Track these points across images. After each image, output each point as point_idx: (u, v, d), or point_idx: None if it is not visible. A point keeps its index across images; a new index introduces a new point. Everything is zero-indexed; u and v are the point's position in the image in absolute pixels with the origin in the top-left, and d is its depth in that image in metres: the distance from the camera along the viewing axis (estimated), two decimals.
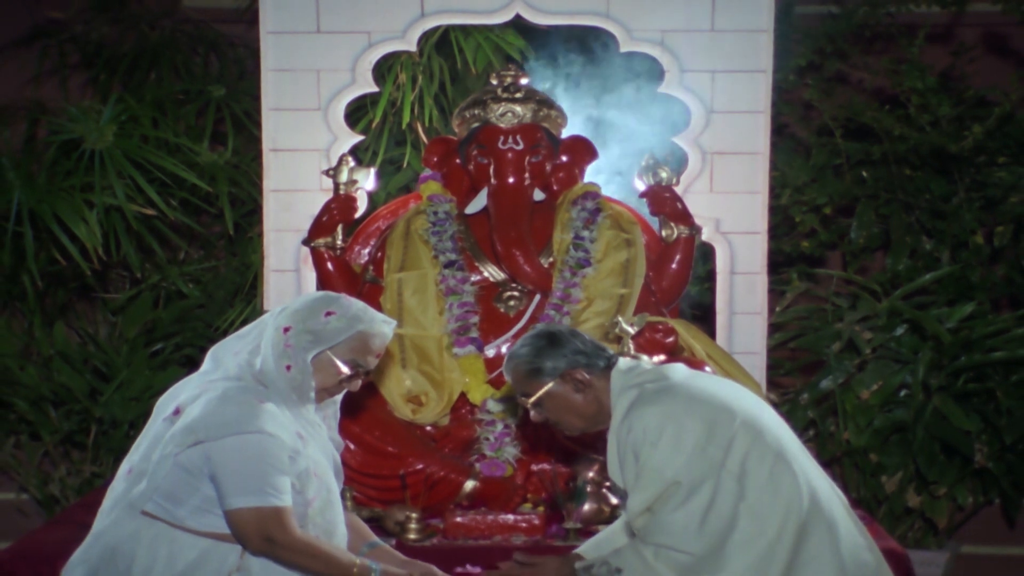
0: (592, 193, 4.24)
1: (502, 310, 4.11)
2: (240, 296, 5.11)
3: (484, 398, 4.01)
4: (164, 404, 2.86)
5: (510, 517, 3.70)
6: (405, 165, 5.02)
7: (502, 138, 4.12)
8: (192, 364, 4.82)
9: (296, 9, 4.35)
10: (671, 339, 4.03)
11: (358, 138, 4.51)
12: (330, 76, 4.38)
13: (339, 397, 3.00)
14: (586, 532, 3.53)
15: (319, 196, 4.28)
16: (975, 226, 5.15)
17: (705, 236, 4.32)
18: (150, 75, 5.37)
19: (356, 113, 4.83)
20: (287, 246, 4.40)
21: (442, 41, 4.86)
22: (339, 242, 4.15)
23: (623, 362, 2.98)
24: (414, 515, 3.62)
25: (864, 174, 5.28)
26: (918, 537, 4.98)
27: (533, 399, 2.98)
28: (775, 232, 5.02)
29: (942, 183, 5.22)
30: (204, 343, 4.71)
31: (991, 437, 4.67)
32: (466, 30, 4.79)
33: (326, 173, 4.21)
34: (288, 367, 2.80)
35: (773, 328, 4.90)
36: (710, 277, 4.71)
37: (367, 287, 4.15)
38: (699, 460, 2.74)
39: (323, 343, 2.83)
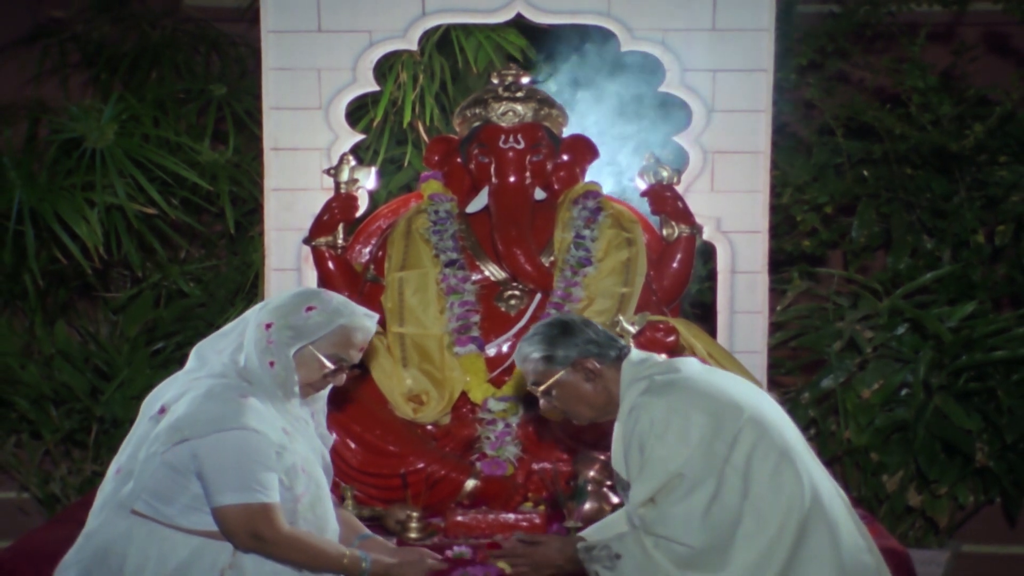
0: (593, 192, 4.24)
1: (503, 309, 4.11)
2: (241, 295, 5.11)
3: (485, 397, 4.01)
4: (150, 403, 2.87)
5: (511, 516, 3.70)
6: (406, 164, 5.02)
7: (503, 137, 4.12)
8: None
9: (297, 8, 4.35)
10: (672, 338, 4.03)
11: (359, 137, 4.51)
12: (331, 75, 4.38)
13: (325, 393, 3.00)
14: None
15: (320, 195, 4.28)
16: (976, 225, 5.15)
17: (706, 235, 4.32)
18: (151, 74, 5.37)
19: (357, 112, 4.83)
20: (288, 245, 4.40)
21: (443, 40, 4.86)
22: (340, 241, 4.15)
23: (635, 354, 3.00)
24: (415, 514, 3.62)
25: (865, 173, 5.28)
26: (919, 536, 4.98)
27: (543, 387, 2.99)
28: (776, 231, 5.02)
29: (943, 182, 5.22)
30: None
31: (992, 436, 4.68)
32: (467, 29, 4.79)
33: (327, 172, 4.21)
34: (271, 363, 2.80)
35: (774, 327, 4.90)
36: (711, 276, 4.71)
37: (368, 286, 4.15)
38: (704, 454, 2.75)
39: (305, 338, 2.83)
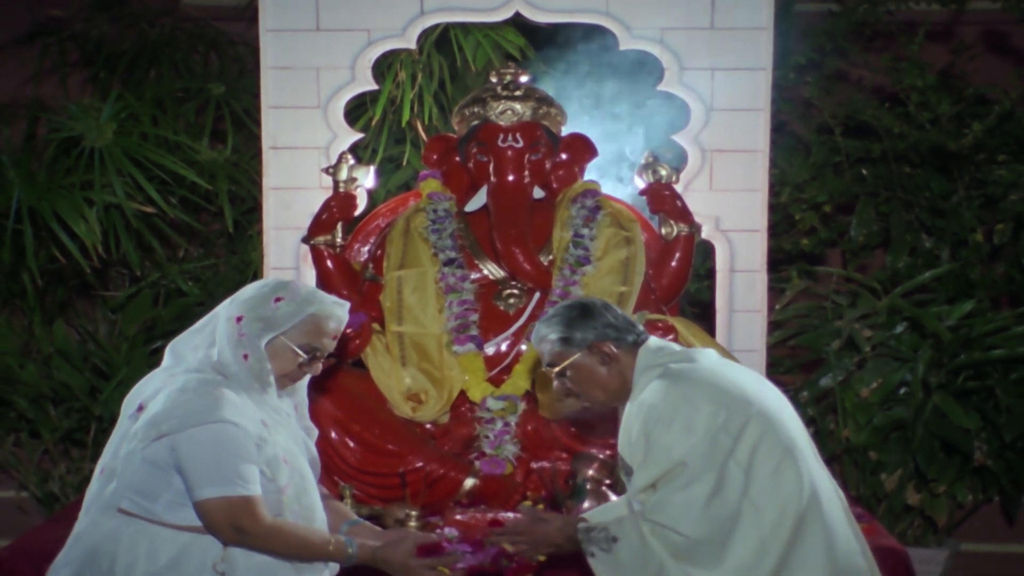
0: (592, 191, 4.24)
1: (502, 308, 4.11)
2: None
3: (484, 396, 4.01)
4: (129, 402, 2.87)
5: (510, 515, 3.70)
6: (405, 163, 5.02)
7: (502, 136, 4.12)
8: None
9: (296, 7, 4.35)
10: (671, 337, 4.02)
11: (358, 136, 4.51)
12: (330, 74, 4.38)
13: (304, 384, 2.99)
14: None
15: (319, 194, 4.28)
16: (975, 224, 5.15)
17: (705, 234, 4.32)
18: (150, 73, 5.38)
19: (356, 111, 4.83)
20: (287, 244, 4.40)
21: (442, 39, 4.86)
22: (339, 240, 4.15)
23: (653, 341, 3.00)
24: (414, 513, 3.61)
25: (864, 172, 5.29)
26: (918, 535, 4.98)
27: (558, 368, 2.99)
28: (775, 230, 5.03)
29: (942, 181, 5.22)
30: None
31: (990, 435, 4.68)
32: (466, 28, 4.79)
33: (326, 171, 4.21)
34: (245, 356, 2.80)
35: (773, 326, 4.90)
36: (710, 275, 4.71)
37: (367, 285, 4.15)
38: (709, 445, 2.75)
39: (275, 329, 2.83)
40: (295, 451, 2.88)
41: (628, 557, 2.78)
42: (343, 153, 4.22)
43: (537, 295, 4.11)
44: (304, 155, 4.39)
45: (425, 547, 2.93)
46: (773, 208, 4.82)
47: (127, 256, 4.79)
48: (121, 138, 4.58)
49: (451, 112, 4.45)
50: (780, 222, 5.20)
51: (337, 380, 3.99)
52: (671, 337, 4.02)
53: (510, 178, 4.11)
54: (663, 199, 4.17)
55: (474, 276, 4.15)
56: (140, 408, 2.80)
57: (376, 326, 4.16)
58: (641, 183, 4.20)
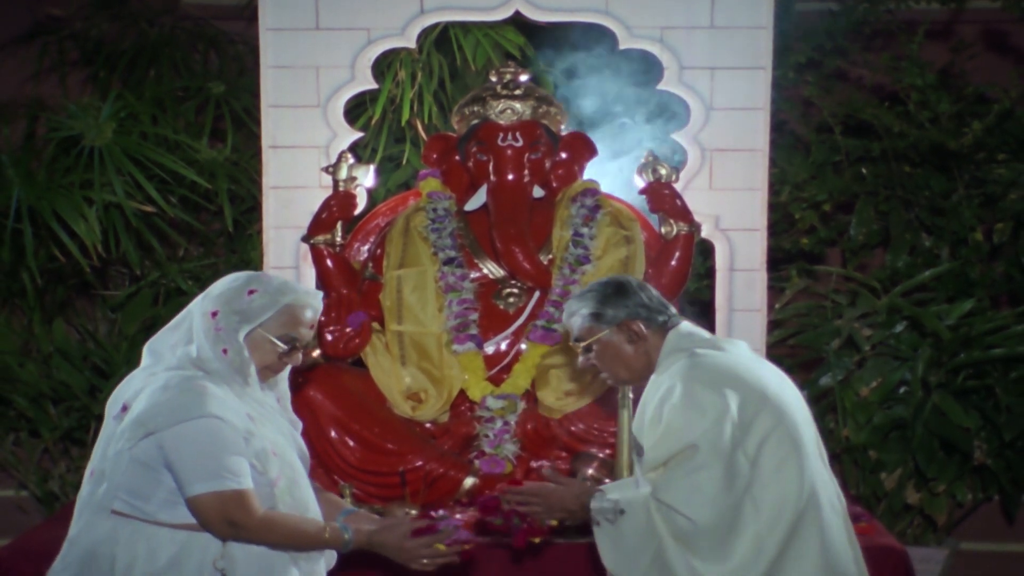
0: (591, 190, 4.24)
1: (501, 307, 4.12)
2: None
3: (483, 395, 4.01)
4: (112, 403, 2.86)
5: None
6: (404, 162, 5.02)
7: (501, 135, 4.12)
8: None
9: (295, 6, 4.35)
10: None
11: (357, 135, 4.50)
12: (329, 73, 4.37)
13: (285, 376, 2.99)
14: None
15: (318, 193, 4.28)
16: (974, 223, 5.15)
17: (704, 233, 4.32)
18: (149, 72, 5.37)
19: (355, 110, 4.83)
20: (287, 243, 4.40)
21: (441, 38, 4.85)
22: (339, 239, 4.15)
23: (685, 325, 2.99)
24: (413, 512, 3.62)
25: (863, 171, 5.28)
26: (917, 534, 4.98)
27: (585, 343, 2.99)
28: (774, 229, 5.02)
29: (942, 180, 5.22)
30: None
31: (990, 434, 4.68)
32: (465, 27, 4.79)
33: (325, 170, 4.21)
34: (224, 350, 2.79)
35: (772, 325, 4.90)
36: (709, 274, 4.71)
37: (367, 284, 4.15)
38: (719, 433, 2.74)
39: (252, 321, 2.82)
40: (283, 444, 2.87)
41: (630, 532, 2.80)
42: (343, 152, 4.22)
43: (537, 294, 4.11)
44: (304, 154, 4.39)
45: (420, 530, 2.93)
46: (773, 207, 4.82)
47: (127, 255, 4.78)
48: (121, 137, 4.58)
49: (451, 111, 4.45)
50: (780, 221, 5.20)
51: (337, 379, 3.99)
52: None
53: (510, 177, 4.11)
54: (663, 198, 4.17)
55: (474, 275, 4.15)
56: (124, 408, 2.79)
57: (376, 325, 4.17)
58: (641, 182, 4.20)
